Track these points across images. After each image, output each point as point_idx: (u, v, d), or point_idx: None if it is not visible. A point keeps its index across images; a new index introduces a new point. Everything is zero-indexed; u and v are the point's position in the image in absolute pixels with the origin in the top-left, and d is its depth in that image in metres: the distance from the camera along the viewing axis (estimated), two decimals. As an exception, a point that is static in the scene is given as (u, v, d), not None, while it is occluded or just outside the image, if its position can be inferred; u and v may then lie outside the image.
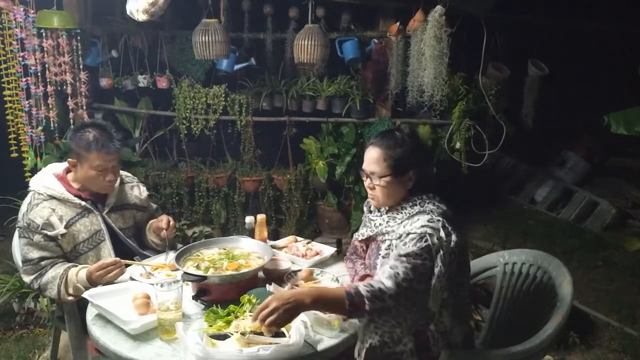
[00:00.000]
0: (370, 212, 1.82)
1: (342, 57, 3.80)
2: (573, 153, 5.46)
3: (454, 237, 1.50)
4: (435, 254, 1.46)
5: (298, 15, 3.84)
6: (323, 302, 1.36)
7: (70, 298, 1.90)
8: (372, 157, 1.64)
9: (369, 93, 3.93)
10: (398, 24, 3.63)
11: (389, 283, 1.40)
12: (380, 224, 1.69)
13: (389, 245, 1.62)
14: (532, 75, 4.12)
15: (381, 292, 1.38)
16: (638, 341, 2.95)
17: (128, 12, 3.18)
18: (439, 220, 1.52)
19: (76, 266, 1.95)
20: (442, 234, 1.48)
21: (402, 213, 1.63)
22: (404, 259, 1.45)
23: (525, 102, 4.18)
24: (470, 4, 3.39)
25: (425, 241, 1.47)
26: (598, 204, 4.91)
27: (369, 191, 1.70)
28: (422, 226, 1.49)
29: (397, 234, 1.56)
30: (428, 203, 1.61)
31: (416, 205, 1.61)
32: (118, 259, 1.89)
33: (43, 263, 1.95)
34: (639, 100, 2.97)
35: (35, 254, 1.94)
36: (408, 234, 1.51)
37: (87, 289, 1.87)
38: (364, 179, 1.69)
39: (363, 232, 1.81)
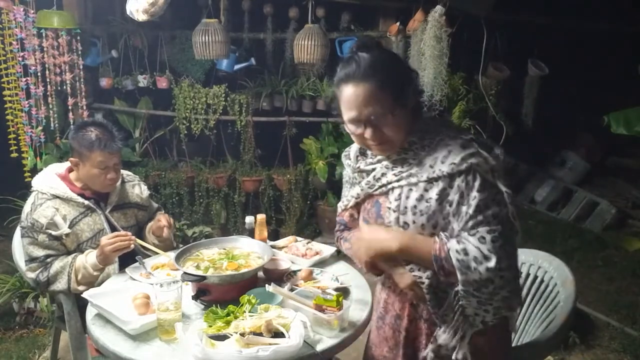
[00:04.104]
0: (357, 160, 1.43)
1: (342, 57, 3.79)
2: (573, 153, 5.46)
3: (497, 150, 1.21)
4: (495, 180, 1.19)
5: (298, 15, 3.84)
6: (409, 255, 1.24)
7: (81, 287, 1.91)
8: (362, 96, 1.22)
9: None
10: (398, 24, 3.63)
11: (485, 251, 1.15)
12: (383, 174, 1.31)
13: (400, 194, 1.26)
14: (532, 75, 4.12)
15: (476, 261, 1.15)
16: (638, 341, 2.95)
17: (128, 12, 3.18)
18: (470, 139, 1.23)
19: (82, 253, 1.98)
20: (485, 154, 1.19)
21: (412, 150, 1.28)
22: (480, 217, 1.16)
23: (525, 102, 4.19)
24: (470, 2, 3.39)
25: (477, 174, 1.18)
26: (598, 204, 4.91)
27: (371, 143, 1.28)
28: (462, 159, 1.19)
29: (423, 177, 1.23)
30: (441, 127, 1.30)
31: (428, 132, 1.28)
32: (129, 233, 1.95)
33: (49, 260, 1.97)
34: (639, 100, 2.97)
35: (40, 252, 1.96)
36: (449, 176, 1.19)
37: (96, 270, 1.92)
38: (360, 131, 1.26)
39: (358, 193, 1.40)
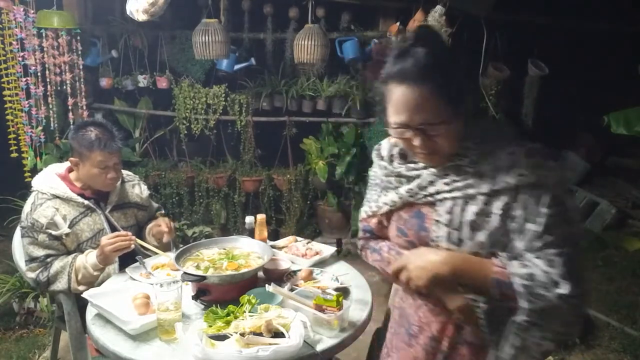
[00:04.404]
0: (391, 161, 1.26)
1: (342, 57, 3.80)
2: (573, 153, 5.46)
3: (565, 161, 1.10)
4: (564, 195, 1.05)
5: (298, 15, 3.84)
6: (463, 278, 1.09)
7: (81, 287, 1.91)
8: (415, 101, 1.05)
9: (369, 93, 3.93)
10: (398, 24, 3.63)
11: (555, 276, 1.01)
12: (431, 182, 1.15)
13: (452, 207, 1.12)
14: (532, 75, 4.12)
15: (545, 287, 1.01)
16: (638, 341, 2.95)
17: (128, 12, 3.18)
18: (538, 147, 1.08)
19: (82, 253, 1.99)
20: (555, 165, 1.06)
21: (468, 157, 1.12)
22: (549, 237, 1.02)
23: (525, 102, 4.19)
24: (470, 2, 3.39)
25: (547, 188, 1.03)
26: (598, 204, 4.90)
27: (419, 152, 1.13)
28: (531, 169, 1.04)
29: (483, 189, 1.08)
30: (500, 131, 1.16)
31: (486, 137, 1.13)
32: (130, 233, 1.95)
33: (49, 260, 1.97)
34: (639, 100, 2.97)
35: (40, 252, 1.96)
36: (515, 189, 1.05)
37: (96, 270, 1.92)
38: (408, 136, 1.10)
39: (394, 200, 1.23)
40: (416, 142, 1.09)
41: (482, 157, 1.11)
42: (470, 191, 1.10)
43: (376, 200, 1.29)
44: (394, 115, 1.10)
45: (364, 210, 1.35)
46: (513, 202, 1.05)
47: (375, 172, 1.32)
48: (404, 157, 1.25)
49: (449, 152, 1.12)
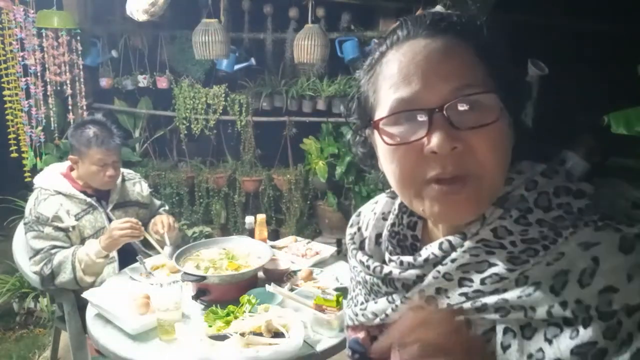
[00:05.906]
0: (378, 243, 0.76)
1: (342, 57, 3.80)
2: (573, 153, 5.46)
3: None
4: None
5: (298, 15, 3.84)
6: None
7: (87, 278, 1.90)
8: (438, 53, 0.61)
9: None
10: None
11: None
12: (441, 290, 0.64)
13: (489, 339, 0.61)
14: (532, 75, 4.12)
15: None
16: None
17: (128, 12, 3.19)
18: (606, 224, 0.60)
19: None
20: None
21: (508, 237, 0.60)
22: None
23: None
24: (470, 2, 3.39)
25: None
26: (598, 204, 4.90)
27: (436, 174, 0.58)
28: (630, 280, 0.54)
29: (540, 312, 0.55)
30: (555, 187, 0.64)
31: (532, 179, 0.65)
32: (140, 222, 1.97)
33: (54, 251, 1.96)
34: (639, 100, 2.97)
35: (45, 243, 1.95)
36: (601, 317, 0.52)
37: (98, 258, 1.92)
38: (418, 136, 0.58)
39: (386, 312, 0.71)
40: (434, 142, 0.56)
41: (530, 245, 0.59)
42: (516, 314, 0.57)
43: (363, 304, 0.77)
44: (395, 91, 0.60)
45: (348, 315, 0.81)
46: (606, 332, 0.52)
47: (356, 267, 0.78)
48: (398, 238, 0.73)
49: (487, 186, 0.58)
